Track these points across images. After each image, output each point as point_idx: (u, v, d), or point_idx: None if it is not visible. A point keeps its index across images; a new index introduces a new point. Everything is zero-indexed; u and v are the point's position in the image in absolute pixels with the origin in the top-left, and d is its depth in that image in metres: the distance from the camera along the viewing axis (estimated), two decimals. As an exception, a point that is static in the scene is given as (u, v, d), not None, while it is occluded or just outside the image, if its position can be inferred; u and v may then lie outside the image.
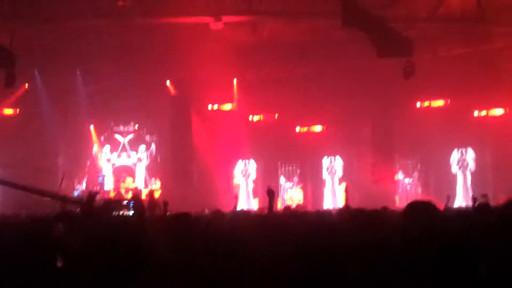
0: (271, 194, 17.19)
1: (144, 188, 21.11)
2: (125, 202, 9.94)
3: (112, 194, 20.46)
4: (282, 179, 21.71)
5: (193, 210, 10.87)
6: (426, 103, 19.62)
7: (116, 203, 10.16)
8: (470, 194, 19.76)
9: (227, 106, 21.03)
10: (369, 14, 14.13)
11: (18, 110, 20.13)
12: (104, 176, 21.12)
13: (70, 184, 20.19)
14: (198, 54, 17.27)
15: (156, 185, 21.48)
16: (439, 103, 19.52)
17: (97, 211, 8.86)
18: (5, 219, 10.07)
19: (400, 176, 20.85)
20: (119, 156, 21.67)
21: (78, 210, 8.89)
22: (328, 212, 10.60)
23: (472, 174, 20.04)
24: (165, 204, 11.16)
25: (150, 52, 17.83)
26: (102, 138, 21.55)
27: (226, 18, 14.93)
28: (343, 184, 20.57)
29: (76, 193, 19.03)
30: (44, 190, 11.65)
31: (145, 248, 4.31)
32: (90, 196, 9.25)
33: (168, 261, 4.41)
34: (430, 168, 20.30)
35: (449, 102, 19.38)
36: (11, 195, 16.81)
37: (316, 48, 17.21)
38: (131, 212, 9.64)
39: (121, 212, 9.59)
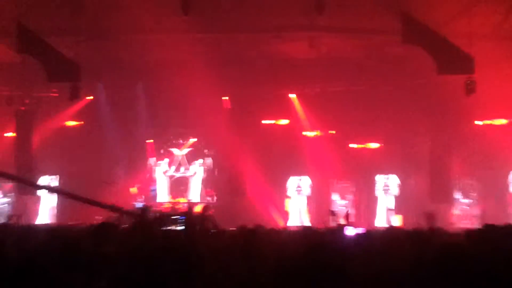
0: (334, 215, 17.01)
1: (199, 201, 21.29)
2: (176, 216, 10.05)
3: (167, 206, 20.72)
4: (335, 196, 21.55)
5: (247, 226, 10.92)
6: (487, 122, 19.19)
7: (168, 217, 10.27)
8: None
9: (283, 122, 21.08)
10: (429, 30, 14.01)
11: (81, 122, 20.68)
12: (155, 189, 21.43)
13: (130, 196, 20.60)
14: (255, 69, 17.42)
15: (211, 199, 21.64)
16: (500, 121, 19.07)
17: (149, 225, 9.00)
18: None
19: (458, 196, 20.43)
20: (176, 169, 21.95)
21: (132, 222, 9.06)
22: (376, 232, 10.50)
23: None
24: (212, 218, 11.24)
25: (208, 66, 18.05)
26: (162, 150, 21.90)
27: (285, 34, 15.04)
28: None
29: (137, 205, 19.38)
30: (100, 202, 11.91)
31: (191, 262, 4.36)
32: (145, 209, 9.41)
33: (213, 275, 4.45)
34: (488, 189, 19.81)
35: (510, 121, 18.91)
36: (70, 205, 17.30)
37: (374, 65, 17.13)
38: (182, 227, 9.74)
39: (172, 227, 9.70)
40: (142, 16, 14.78)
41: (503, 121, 18.95)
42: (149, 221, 9.30)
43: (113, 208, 12.73)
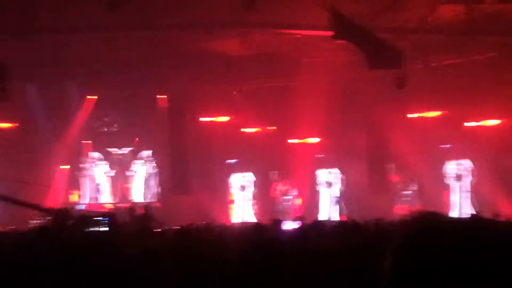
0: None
1: (141, 201, 21.11)
2: (100, 218, 9.88)
3: (109, 207, 20.49)
4: (277, 192, 21.68)
5: (190, 223, 10.89)
6: (420, 114, 19.57)
7: (90, 218, 10.10)
8: (467, 205, 19.73)
9: (222, 118, 21.10)
10: (358, 25, 14.16)
11: (14, 123, 20.24)
12: (100, 190, 21.17)
13: (67, 198, 20.30)
14: (191, 66, 17.34)
15: (153, 199, 21.49)
16: (433, 114, 19.47)
17: (70, 226, 8.87)
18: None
19: (397, 187, 20.81)
20: (116, 170, 21.68)
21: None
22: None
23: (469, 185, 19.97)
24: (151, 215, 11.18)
25: (143, 65, 17.93)
26: (99, 152, 21.58)
27: (216, 31, 15.02)
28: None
29: (78, 207, 19.10)
30: (28, 203, 11.74)
31: (114, 265, 4.28)
32: (64, 210, 9.27)
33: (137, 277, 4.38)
34: (426, 179, 20.24)
35: (442, 113, 19.33)
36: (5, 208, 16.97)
37: (309, 60, 17.26)
38: (106, 228, 9.59)
39: (95, 228, 9.53)
40: (71, 14, 14.55)
41: (435, 113, 19.35)
42: (70, 223, 9.16)
43: (37, 207, 12.58)
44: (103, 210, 18.35)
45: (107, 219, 9.95)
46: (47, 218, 13.80)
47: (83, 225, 9.53)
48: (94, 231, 9.45)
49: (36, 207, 13.51)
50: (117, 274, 4.20)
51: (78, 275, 4.03)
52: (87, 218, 10.04)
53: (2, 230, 11.74)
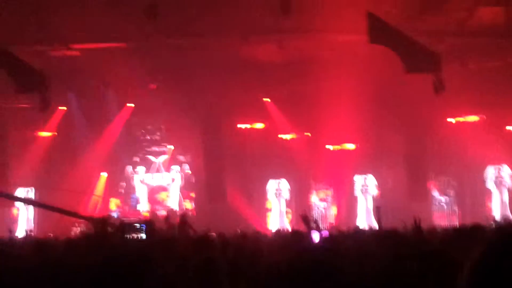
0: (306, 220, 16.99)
1: (178, 208, 21.25)
2: (137, 224, 9.98)
3: (146, 215, 20.65)
4: (314, 198, 21.57)
5: (226, 231, 10.94)
6: (459, 119, 19.29)
7: (129, 225, 10.21)
8: (508, 211, 19.34)
9: (258, 125, 21.10)
10: (395, 29, 14.05)
11: (54, 132, 20.59)
12: (137, 198, 21.35)
13: (105, 206, 20.54)
14: (226, 73, 17.42)
15: (189, 206, 21.60)
16: (472, 118, 19.17)
17: (110, 233, 8.96)
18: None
19: (435, 193, 20.51)
20: (153, 177, 21.87)
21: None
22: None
23: (509, 190, 19.60)
24: (187, 222, 11.23)
25: (181, 71, 18.06)
26: (138, 159, 21.80)
27: (253, 37, 15.05)
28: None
29: (113, 215, 19.31)
30: (70, 211, 11.94)
31: (148, 271, 4.31)
32: (105, 218, 9.38)
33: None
34: (465, 185, 19.91)
35: (481, 117, 19.02)
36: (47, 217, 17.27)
37: (346, 65, 17.16)
38: (143, 235, 9.67)
39: (134, 235, 9.64)
40: (109, 23, 14.74)
41: (474, 118, 19.05)
42: (110, 231, 9.24)
43: (77, 215, 12.79)
44: (139, 217, 18.53)
45: (144, 226, 10.03)
46: (88, 225, 14.03)
47: (122, 232, 9.61)
48: (133, 238, 9.53)
49: (76, 215, 13.70)
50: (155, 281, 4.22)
51: (120, 282, 4.05)
52: (126, 225, 10.13)
53: (44, 238, 11.94)
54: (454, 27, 15.03)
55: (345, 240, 8.03)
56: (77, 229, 16.84)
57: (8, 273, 4.71)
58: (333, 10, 14.61)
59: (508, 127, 19.02)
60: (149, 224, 10.13)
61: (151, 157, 21.93)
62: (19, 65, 14.71)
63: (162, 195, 21.90)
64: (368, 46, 14.87)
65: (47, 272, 4.72)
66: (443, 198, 20.39)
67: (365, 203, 21.09)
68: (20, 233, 19.84)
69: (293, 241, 7.68)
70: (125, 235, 9.44)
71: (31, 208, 20.73)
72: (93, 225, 10.89)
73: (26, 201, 19.69)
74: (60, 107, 19.96)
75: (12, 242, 11.28)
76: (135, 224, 9.77)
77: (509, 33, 14.64)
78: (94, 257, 5.71)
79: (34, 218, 20.65)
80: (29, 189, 20.69)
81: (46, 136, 20.69)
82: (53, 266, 4.92)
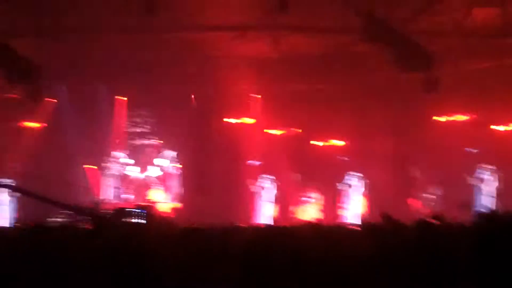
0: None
1: (164, 201, 21.21)
2: (137, 210, 9.96)
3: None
4: (301, 194, 21.62)
5: (213, 225, 10.90)
6: (449, 118, 19.46)
7: (128, 211, 10.17)
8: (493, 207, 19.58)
9: (246, 120, 21.12)
10: (390, 28, 14.15)
11: (43, 124, 20.39)
12: (123, 189, 21.25)
13: (92, 197, 20.40)
14: (218, 68, 17.39)
15: (176, 199, 21.56)
16: (461, 117, 19.35)
17: (109, 220, 8.92)
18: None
19: (422, 190, 20.68)
20: (141, 170, 21.76)
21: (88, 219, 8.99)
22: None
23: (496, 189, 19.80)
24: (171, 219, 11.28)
25: (171, 66, 18.01)
26: (126, 152, 21.69)
27: (248, 33, 15.05)
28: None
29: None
30: (59, 201, 11.87)
31: (155, 257, 4.32)
32: (96, 204, 9.36)
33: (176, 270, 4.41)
34: (452, 183, 20.09)
35: (471, 117, 19.20)
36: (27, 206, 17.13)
37: (337, 63, 17.24)
38: (143, 221, 9.65)
39: (132, 219, 9.61)
40: (104, 16, 14.64)
41: (463, 117, 19.23)
42: (108, 218, 9.22)
43: (73, 208, 12.67)
44: (140, 204, 18.53)
45: (144, 211, 10.02)
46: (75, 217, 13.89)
47: (121, 217, 9.59)
48: (133, 222, 9.51)
49: (66, 206, 13.58)
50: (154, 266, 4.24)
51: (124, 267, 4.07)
52: (125, 210, 10.10)
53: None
54: (448, 27, 15.16)
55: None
56: (60, 220, 16.73)
57: (5, 260, 4.66)
58: (328, 8, 14.68)
59: (494, 127, 19.21)
60: (150, 209, 10.13)
61: (139, 150, 21.83)
62: (10, 55, 14.55)
63: (149, 188, 21.80)
64: (362, 45, 15.00)
65: (45, 257, 4.68)
66: (432, 196, 20.54)
67: (352, 199, 21.18)
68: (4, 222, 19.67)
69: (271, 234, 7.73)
70: (124, 219, 9.41)
71: (13, 199, 20.52)
72: (85, 216, 10.84)
73: (13, 188, 19.43)
74: (50, 99, 19.75)
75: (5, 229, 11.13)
76: (135, 210, 9.75)
77: (504, 34, 14.80)
78: (93, 241, 5.70)
79: (16, 209, 20.44)
80: (13, 180, 20.44)
81: (35, 127, 20.48)
82: (50, 251, 4.89)
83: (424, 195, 20.63)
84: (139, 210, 10.08)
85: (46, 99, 19.17)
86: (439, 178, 20.27)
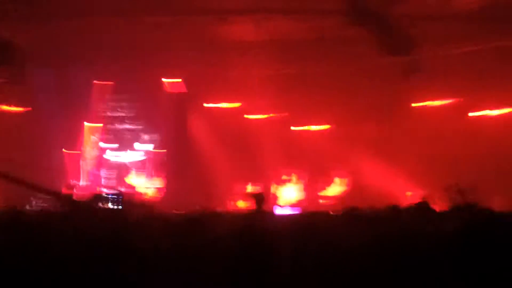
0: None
1: (145, 186, 21.12)
2: (111, 196, 9.89)
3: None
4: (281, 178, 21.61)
5: (192, 209, 10.82)
6: (432, 102, 19.47)
7: (104, 197, 10.10)
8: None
9: (228, 105, 21.02)
10: (373, 11, 14.08)
11: (23, 107, 20.16)
12: (101, 173, 21.13)
13: (68, 181, 20.25)
14: (203, 52, 17.25)
15: (154, 183, 21.47)
16: (443, 102, 19.38)
17: (83, 204, 8.83)
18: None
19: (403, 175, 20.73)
20: (118, 154, 21.63)
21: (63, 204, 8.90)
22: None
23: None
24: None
25: (151, 49, 17.83)
26: (107, 136, 21.53)
27: (230, 16, 14.90)
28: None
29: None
30: (37, 186, 11.74)
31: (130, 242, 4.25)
32: (70, 188, 9.25)
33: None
34: (432, 169, 20.13)
35: (453, 101, 19.24)
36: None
37: (321, 47, 17.14)
38: (118, 206, 9.59)
39: (109, 206, 9.54)
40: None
41: (445, 102, 19.26)
42: (82, 202, 9.13)
43: (50, 192, 12.54)
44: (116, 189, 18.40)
45: (120, 196, 9.95)
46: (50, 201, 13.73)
47: (97, 202, 9.52)
48: (108, 208, 9.45)
49: (43, 190, 13.44)
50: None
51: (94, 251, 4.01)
52: (100, 196, 10.02)
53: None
54: (431, 10, 15.11)
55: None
56: (34, 203, 16.59)
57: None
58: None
59: (472, 114, 19.22)
60: (126, 195, 10.05)
61: (117, 134, 21.68)
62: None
63: (129, 173, 21.68)
64: (346, 29, 14.92)
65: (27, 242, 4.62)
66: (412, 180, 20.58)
67: (335, 185, 21.20)
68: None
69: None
70: (100, 206, 9.33)
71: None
72: (60, 200, 10.72)
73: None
74: (32, 82, 19.51)
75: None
76: (111, 196, 9.67)
77: (485, 17, 14.78)
78: (68, 226, 5.60)
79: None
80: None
81: (15, 111, 20.24)
82: (24, 235, 4.83)
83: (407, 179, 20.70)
84: (115, 196, 10.01)
85: (28, 82, 18.94)
86: (422, 162, 20.31)
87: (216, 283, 4.06)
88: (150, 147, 21.63)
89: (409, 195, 19.74)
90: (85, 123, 20.87)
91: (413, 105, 19.40)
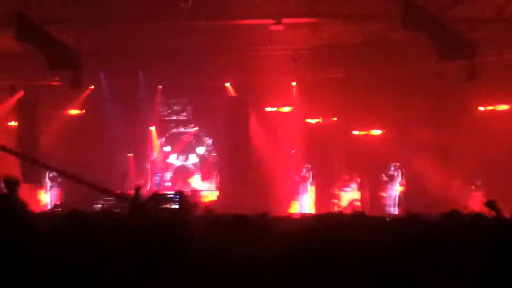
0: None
1: (203, 189, 21.43)
2: (170, 195, 10.11)
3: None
4: (340, 184, 21.53)
5: (248, 213, 10.89)
6: (490, 108, 19.01)
7: (161, 196, 10.33)
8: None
9: (285, 109, 21.06)
10: (430, 15, 13.90)
11: (83, 110, 20.73)
12: (161, 176, 21.51)
13: (131, 184, 20.68)
14: (257, 56, 17.38)
15: (212, 187, 21.73)
16: (503, 107, 18.89)
17: (143, 204, 9.05)
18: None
19: (461, 182, 20.30)
20: (178, 157, 22.00)
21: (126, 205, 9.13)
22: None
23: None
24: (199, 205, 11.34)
25: (210, 54, 18.09)
26: (163, 139, 21.94)
27: (286, 20, 14.97)
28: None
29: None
30: (100, 187, 12.07)
31: (188, 242, 4.36)
32: (137, 190, 9.48)
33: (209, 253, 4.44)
34: (493, 174, 19.64)
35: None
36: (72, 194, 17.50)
37: (376, 51, 17.03)
38: (176, 206, 9.80)
39: (167, 205, 9.78)
40: (143, 4, 14.76)
41: (504, 107, 18.78)
42: (143, 202, 9.37)
43: (114, 194, 12.93)
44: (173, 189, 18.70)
45: (177, 197, 10.15)
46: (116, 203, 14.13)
47: (156, 202, 9.75)
48: (167, 208, 9.67)
49: (108, 192, 13.82)
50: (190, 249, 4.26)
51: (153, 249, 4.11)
52: (159, 196, 10.26)
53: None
54: (490, 14, 14.82)
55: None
56: (100, 206, 17.04)
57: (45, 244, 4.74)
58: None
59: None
60: (182, 195, 10.26)
61: (177, 137, 22.05)
62: (52, 42, 14.76)
63: (186, 176, 22.02)
64: (402, 33, 14.78)
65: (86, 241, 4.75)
66: (469, 187, 20.14)
67: (391, 190, 20.98)
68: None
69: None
70: (159, 206, 9.56)
71: (54, 187, 20.99)
72: (125, 201, 11.01)
73: (58, 171, 19.80)
74: (90, 86, 20.09)
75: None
76: (168, 195, 9.90)
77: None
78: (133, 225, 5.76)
79: (58, 196, 20.91)
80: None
81: (75, 114, 20.84)
82: (86, 236, 4.96)
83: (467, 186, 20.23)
84: (172, 196, 10.24)
85: (87, 85, 19.50)
86: (480, 168, 19.85)
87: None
88: (211, 151, 21.96)
89: (469, 200, 19.38)
90: (150, 128, 21.41)
91: (478, 108, 19.01)
